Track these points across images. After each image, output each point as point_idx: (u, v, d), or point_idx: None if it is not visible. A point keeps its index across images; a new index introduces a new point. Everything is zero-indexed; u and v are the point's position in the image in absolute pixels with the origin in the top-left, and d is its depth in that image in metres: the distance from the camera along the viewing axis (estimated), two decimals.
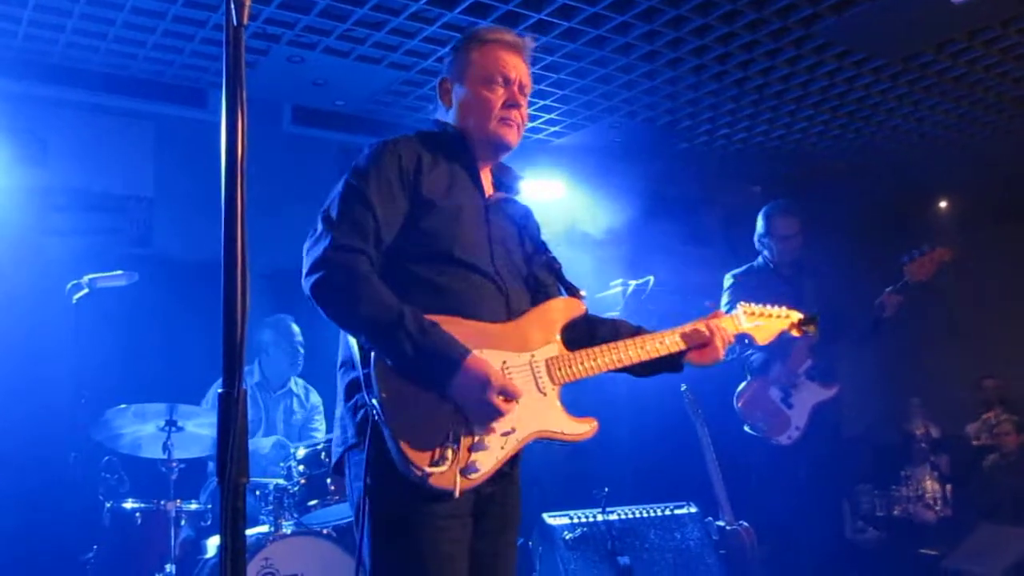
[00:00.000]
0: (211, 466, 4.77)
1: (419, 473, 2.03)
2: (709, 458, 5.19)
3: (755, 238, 5.03)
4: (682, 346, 2.51)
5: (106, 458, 4.33)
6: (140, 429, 4.21)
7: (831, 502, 5.00)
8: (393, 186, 2.21)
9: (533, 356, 2.29)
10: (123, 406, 4.10)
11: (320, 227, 2.19)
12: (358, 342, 2.15)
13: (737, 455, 5.07)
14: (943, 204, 8.07)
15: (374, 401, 2.06)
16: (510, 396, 2.14)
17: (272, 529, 4.01)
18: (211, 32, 4.74)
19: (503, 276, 2.34)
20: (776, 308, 2.74)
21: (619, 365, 2.41)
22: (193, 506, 4.28)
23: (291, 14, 4.55)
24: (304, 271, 2.16)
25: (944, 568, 5.68)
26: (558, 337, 2.36)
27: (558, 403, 2.31)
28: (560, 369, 2.31)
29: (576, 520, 4.80)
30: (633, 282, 6.00)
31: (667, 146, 6.89)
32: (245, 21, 1.29)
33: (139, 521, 4.17)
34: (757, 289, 4.83)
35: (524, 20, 4.67)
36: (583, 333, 2.49)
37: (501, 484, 2.27)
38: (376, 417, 2.06)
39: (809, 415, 4.68)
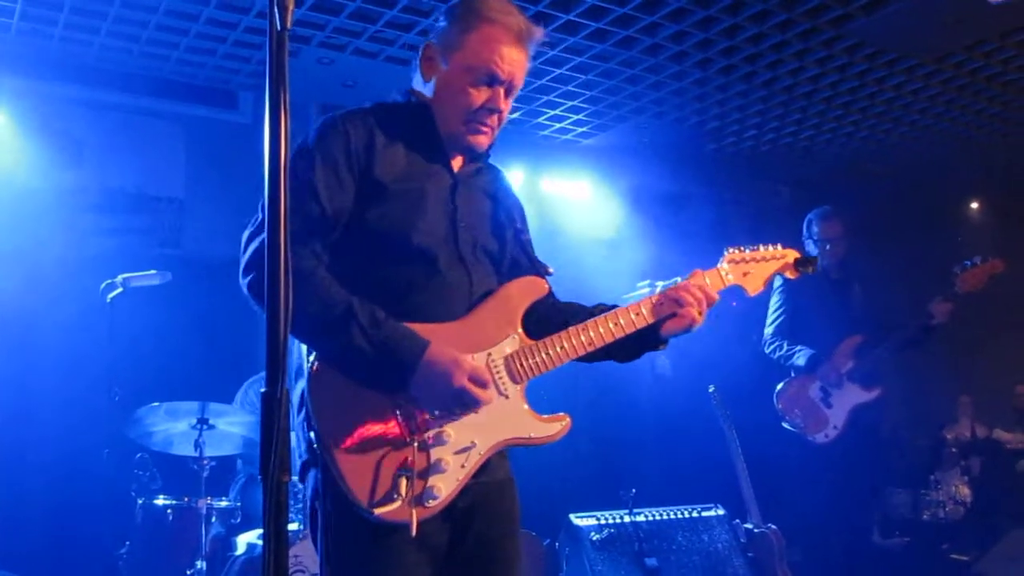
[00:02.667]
0: (240, 464, 4.82)
1: (368, 511, 1.83)
2: (737, 460, 5.18)
3: (803, 241, 5.09)
4: (651, 317, 2.16)
5: (138, 455, 4.38)
6: (172, 427, 4.27)
7: (861, 505, 4.99)
8: (340, 168, 1.96)
9: (490, 355, 2.02)
10: (155, 404, 4.15)
11: (259, 217, 1.92)
12: (306, 347, 1.95)
13: (767, 456, 5.06)
14: (975, 205, 7.99)
15: (312, 435, 1.87)
16: (482, 382, 1.93)
17: (301, 527, 4.05)
18: (243, 35, 4.79)
19: (468, 261, 2.09)
20: (768, 248, 2.40)
21: (589, 348, 2.10)
22: (223, 503, 4.33)
23: (321, 16, 4.59)
24: (240, 268, 1.93)
25: (974, 573, 5.62)
26: (518, 327, 2.07)
27: (523, 405, 2.04)
28: (521, 364, 2.03)
29: (603, 521, 4.80)
30: (660, 283, 5.98)
31: (695, 147, 6.87)
32: (289, 25, 1.30)
33: (171, 518, 4.22)
34: (806, 291, 4.92)
35: (553, 20, 4.68)
36: (552, 319, 2.20)
37: (480, 491, 2.02)
38: (317, 449, 1.86)
39: (848, 416, 4.71)
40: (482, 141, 2.13)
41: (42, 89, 5.16)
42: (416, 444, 1.90)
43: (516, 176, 6.63)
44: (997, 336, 7.33)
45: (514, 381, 2.03)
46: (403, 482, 1.85)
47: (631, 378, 6.52)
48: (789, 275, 2.42)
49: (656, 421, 6.59)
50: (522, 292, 2.12)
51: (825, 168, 7.36)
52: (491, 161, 2.31)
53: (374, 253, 2.00)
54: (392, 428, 1.90)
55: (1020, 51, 5.13)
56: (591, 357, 2.16)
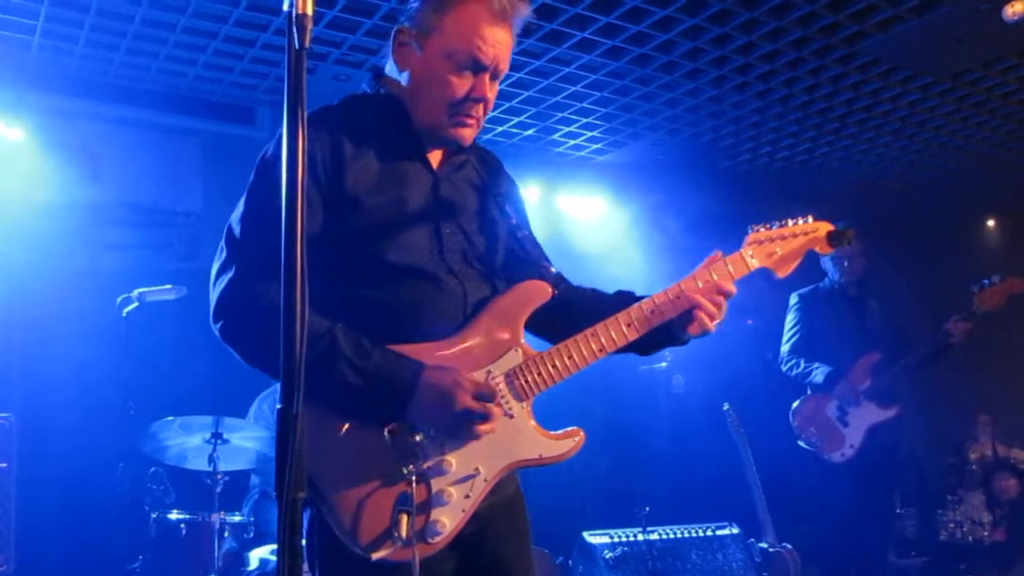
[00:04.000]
0: (254, 479, 4.82)
1: (366, 554, 1.70)
2: (752, 478, 5.15)
3: (819, 259, 5.05)
4: (666, 316, 1.97)
5: (152, 469, 4.39)
6: (186, 441, 4.27)
7: (878, 524, 4.95)
8: (307, 187, 1.76)
9: (490, 373, 1.86)
10: (170, 418, 4.16)
11: (224, 251, 1.82)
12: None
13: (782, 475, 5.02)
14: (991, 222, 7.94)
15: None
16: (488, 397, 1.78)
17: None
18: (260, 51, 4.82)
19: (457, 271, 1.91)
20: (797, 223, 2.16)
21: (600, 355, 1.93)
22: (237, 518, 4.33)
23: (338, 33, 4.62)
24: (211, 310, 1.81)
25: None
26: (520, 339, 1.90)
27: (530, 423, 1.87)
28: (526, 380, 1.87)
29: (617, 539, 4.78)
30: None
31: (710, 164, 6.87)
32: (307, 44, 1.31)
33: (184, 532, 4.22)
34: (822, 309, 4.90)
35: (568, 39, 4.69)
36: (559, 320, 2.01)
37: (487, 513, 1.88)
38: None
39: (864, 435, 4.67)
40: (467, 134, 1.94)
41: (62, 105, 5.21)
42: (414, 476, 1.74)
43: (531, 192, 6.64)
44: (1016, 355, 7.27)
45: (519, 399, 1.87)
46: (403, 519, 1.70)
47: (646, 396, 6.50)
48: (820, 250, 2.18)
49: (670, 439, 6.56)
50: (521, 300, 1.93)
51: (840, 185, 7.33)
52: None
53: (356, 273, 1.84)
54: (386, 460, 1.75)
55: None
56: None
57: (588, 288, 2.16)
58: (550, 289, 1.95)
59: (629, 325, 1.95)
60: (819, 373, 4.81)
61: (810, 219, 2.17)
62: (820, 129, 6.12)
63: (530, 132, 6.17)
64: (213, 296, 1.80)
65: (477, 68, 1.86)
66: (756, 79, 5.23)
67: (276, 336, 1.38)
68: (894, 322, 4.97)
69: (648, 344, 2.03)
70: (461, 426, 1.78)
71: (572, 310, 2.04)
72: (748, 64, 5.02)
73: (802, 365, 4.90)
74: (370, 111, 1.95)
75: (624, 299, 2.04)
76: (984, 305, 4.40)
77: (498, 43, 1.86)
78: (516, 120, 5.94)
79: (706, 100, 5.57)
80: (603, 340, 1.93)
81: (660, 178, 6.99)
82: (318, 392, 1.64)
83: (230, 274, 1.78)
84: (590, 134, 6.24)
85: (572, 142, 6.40)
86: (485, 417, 1.77)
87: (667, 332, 2.01)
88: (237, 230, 1.81)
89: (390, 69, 1.99)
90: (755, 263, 2.09)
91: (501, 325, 1.90)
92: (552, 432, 1.90)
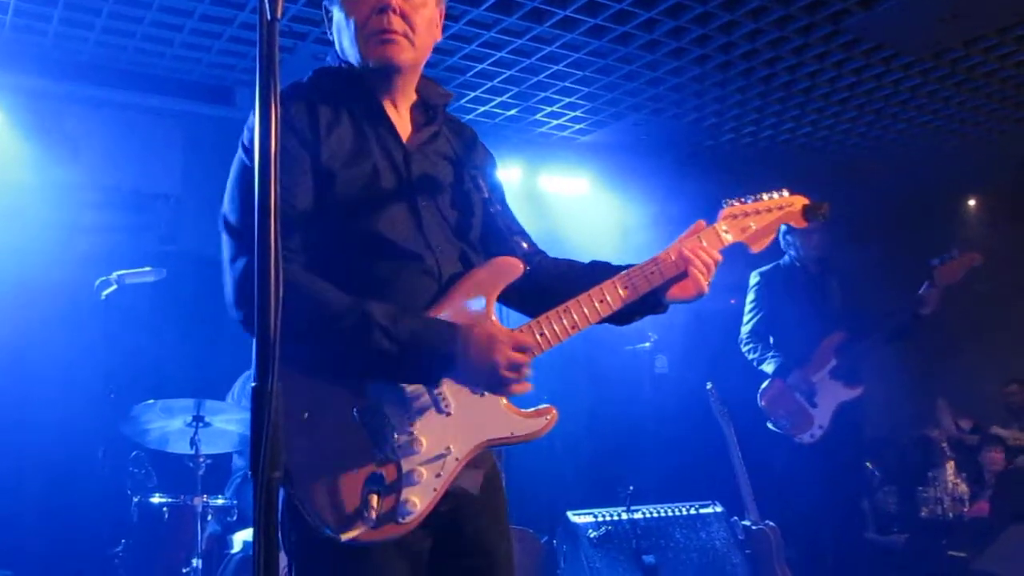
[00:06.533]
0: (236, 461, 4.80)
1: (335, 534, 1.68)
2: (735, 457, 5.16)
3: (780, 235, 5.00)
4: (647, 287, 1.97)
5: (134, 453, 4.35)
6: (167, 424, 4.24)
7: (853, 502, 4.96)
8: (294, 155, 1.80)
9: None
10: (151, 401, 4.12)
11: (229, 241, 1.79)
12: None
13: (763, 454, 5.04)
14: (972, 202, 7.98)
15: None
16: (527, 347, 1.78)
17: None
18: (238, 30, 4.76)
19: (434, 245, 1.89)
20: (772, 197, 2.16)
21: (573, 332, 1.90)
22: (219, 501, 4.31)
23: (318, 11, 4.55)
24: (231, 299, 1.76)
25: (972, 570, 5.60)
26: (491, 316, 1.87)
27: (502, 401, 1.85)
28: None
29: (601, 519, 4.79)
30: None
31: (693, 143, 6.86)
32: (279, 15, 1.28)
33: (166, 516, 4.19)
34: (783, 287, 4.87)
35: (550, 17, 4.66)
36: (535, 293, 2.00)
37: (463, 492, 1.86)
38: None
39: (833, 415, 4.65)
40: (392, 51, 1.88)
41: (37, 86, 5.14)
42: (385, 455, 1.73)
43: (514, 172, 6.61)
44: (970, 339, 7.33)
45: None
46: (373, 499, 1.68)
47: (629, 376, 6.51)
48: (795, 224, 2.18)
49: (654, 419, 6.57)
50: (492, 276, 1.90)
51: (824, 163, 7.34)
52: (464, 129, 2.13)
53: (330, 247, 1.82)
54: (355, 440, 1.73)
55: (1018, 47, 5.12)
56: None
57: (563, 260, 2.14)
58: (522, 265, 1.92)
59: (602, 301, 1.93)
60: (771, 363, 4.79)
61: (785, 193, 2.17)
62: (803, 108, 6.12)
63: (512, 112, 6.14)
64: (231, 286, 1.76)
65: None
66: (739, 58, 5.22)
67: (304, 317, 1.58)
68: (859, 300, 4.94)
69: (626, 313, 2.01)
70: (506, 378, 1.76)
71: (546, 284, 2.03)
72: (731, 43, 5.00)
73: (758, 351, 4.89)
74: (338, 83, 1.96)
75: (599, 270, 2.02)
76: (944, 279, 4.41)
77: None
78: (498, 100, 5.90)
79: (689, 79, 5.55)
80: (575, 316, 1.90)
81: (643, 158, 6.97)
82: (354, 365, 1.74)
83: (241, 264, 1.74)
84: (572, 114, 6.20)
85: (554, 122, 6.37)
86: (524, 366, 1.77)
87: (649, 300, 1.99)
88: (234, 220, 1.80)
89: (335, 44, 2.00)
90: (729, 238, 2.08)
91: (472, 301, 1.87)
92: (524, 410, 1.88)
